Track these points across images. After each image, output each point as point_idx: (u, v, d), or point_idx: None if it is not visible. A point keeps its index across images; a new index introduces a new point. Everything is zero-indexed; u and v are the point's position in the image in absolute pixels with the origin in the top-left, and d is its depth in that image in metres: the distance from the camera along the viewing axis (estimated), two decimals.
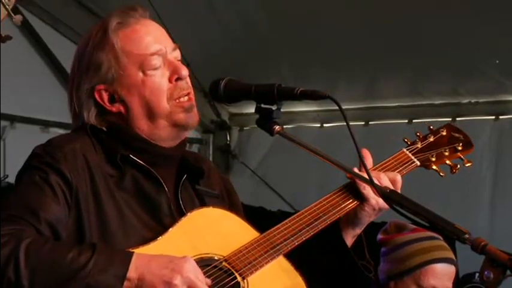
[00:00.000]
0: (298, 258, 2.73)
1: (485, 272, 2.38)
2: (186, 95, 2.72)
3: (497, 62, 5.60)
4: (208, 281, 2.50)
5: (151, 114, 2.69)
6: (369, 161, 2.88)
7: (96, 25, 2.77)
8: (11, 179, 5.37)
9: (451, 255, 3.48)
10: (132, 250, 2.48)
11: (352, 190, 2.84)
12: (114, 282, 2.39)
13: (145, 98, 2.69)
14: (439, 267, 3.44)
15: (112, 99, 2.71)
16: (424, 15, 5.35)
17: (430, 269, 3.43)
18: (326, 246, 2.84)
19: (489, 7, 5.20)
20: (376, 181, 2.72)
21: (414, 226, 3.47)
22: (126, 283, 2.40)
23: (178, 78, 2.72)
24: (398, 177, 2.88)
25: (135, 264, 2.42)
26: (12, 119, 5.77)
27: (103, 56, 2.69)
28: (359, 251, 2.88)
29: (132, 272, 2.41)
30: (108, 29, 2.71)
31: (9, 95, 5.27)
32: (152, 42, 2.72)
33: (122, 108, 2.70)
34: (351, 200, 2.83)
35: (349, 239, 2.88)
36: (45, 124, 5.93)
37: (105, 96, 2.70)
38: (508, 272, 2.37)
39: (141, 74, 2.69)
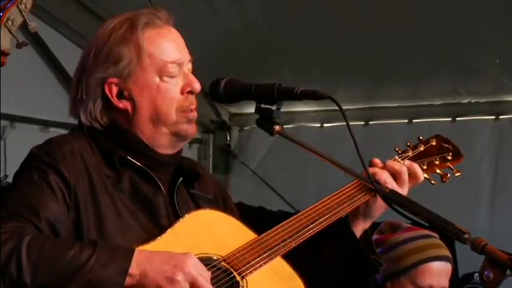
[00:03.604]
0: (307, 251, 2.74)
1: (485, 272, 2.38)
2: (192, 110, 2.73)
3: (497, 62, 5.60)
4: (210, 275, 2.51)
5: (157, 119, 2.69)
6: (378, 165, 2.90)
7: (119, 19, 2.75)
8: (11, 179, 5.38)
9: (446, 252, 3.48)
10: None
11: (362, 185, 2.83)
12: (116, 278, 2.40)
13: (156, 103, 2.69)
14: (435, 265, 3.44)
15: (120, 95, 2.70)
16: (424, 15, 5.35)
17: (426, 268, 3.43)
18: (335, 239, 2.83)
19: (489, 7, 5.19)
20: (403, 173, 2.82)
21: (408, 225, 3.48)
22: (128, 279, 2.40)
23: (190, 92, 2.73)
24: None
25: (136, 260, 2.42)
26: (12, 119, 5.78)
27: (125, 51, 2.68)
28: (367, 246, 2.87)
29: (134, 268, 2.41)
30: (135, 26, 2.70)
31: (9, 95, 5.25)
32: (174, 50, 2.73)
33: (129, 106, 2.70)
34: (359, 197, 2.82)
35: (359, 231, 2.87)
36: (45, 124, 5.94)
37: (115, 90, 2.69)
38: (508, 272, 2.38)
39: (157, 79, 2.69)
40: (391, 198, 2.70)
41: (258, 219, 2.77)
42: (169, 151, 2.75)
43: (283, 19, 5.73)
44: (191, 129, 2.74)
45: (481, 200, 5.98)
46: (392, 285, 3.46)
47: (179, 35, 2.78)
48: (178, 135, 2.73)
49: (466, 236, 2.44)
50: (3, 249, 2.40)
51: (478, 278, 4.49)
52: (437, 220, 2.54)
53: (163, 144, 2.72)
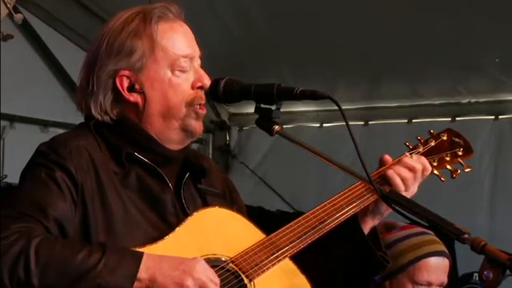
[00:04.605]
0: (315, 249, 2.73)
1: (485, 272, 2.38)
2: (201, 105, 2.73)
3: (497, 61, 5.60)
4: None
5: (167, 114, 2.69)
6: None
7: (130, 12, 2.73)
8: (10, 179, 5.38)
9: (443, 248, 3.47)
10: (140, 249, 2.48)
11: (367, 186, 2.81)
12: (124, 283, 2.39)
13: (167, 97, 2.68)
14: (432, 261, 3.44)
15: (131, 88, 2.69)
16: (423, 15, 5.35)
17: (423, 264, 3.43)
18: (343, 236, 2.82)
19: (489, 7, 5.20)
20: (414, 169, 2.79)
21: (403, 224, 3.48)
22: (136, 283, 2.40)
23: (201, 87, 2.73)
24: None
25: (145, 265, 2.41)
26: (12, 119, 5.78)
27: (138, 44, 2.67)
28: (375, 243, 2.87)
29: (142, 273, 2.40)
30: (149, 19, 2.69)
31: (9, 95, 5.27)
32: (186, 44, 2.72)
33: (139, 100, 2.69)
34: (367, 196, 2.81)
35: (367, 229, 2.86)
36: (45, 124, 5.94)
37: (126, 83, 2.68)
38: (508, 272, 2.37)
39: (169, 73, 2.69)
40: (390, 198, 2.70)
41: (257, 219, 2.76)
42: (177, 147, 2.74)
43: (282, 19, 5.73)
44: (199, 127, 2.73)
45: (481, 200, 5.98)
46: (391, 284, 3.46)
47: (189, 30, 2.78)
48: (186, 131, 2.72)
49: (466, 236, 2.44)
50: (11, 251, 2.39)
51: (477, 278, 4.49)
52: (436, 220, 2.53)
53: (172, 139, 2.72)
